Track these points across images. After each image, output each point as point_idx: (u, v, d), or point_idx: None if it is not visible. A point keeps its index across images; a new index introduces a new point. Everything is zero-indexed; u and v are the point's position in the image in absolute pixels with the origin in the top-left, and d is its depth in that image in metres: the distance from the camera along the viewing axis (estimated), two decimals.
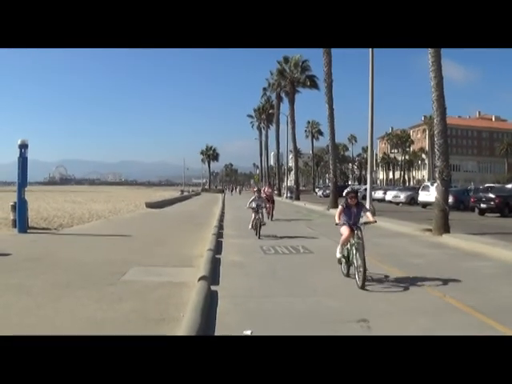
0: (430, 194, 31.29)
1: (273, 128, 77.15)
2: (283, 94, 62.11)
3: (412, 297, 7.66)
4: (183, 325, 5.51)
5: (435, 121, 17.16)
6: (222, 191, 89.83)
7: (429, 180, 60.92)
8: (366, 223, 9.18)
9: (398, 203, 42.50)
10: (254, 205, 16.79)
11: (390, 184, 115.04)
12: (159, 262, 10.35)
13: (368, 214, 9.35)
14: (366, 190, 29.67)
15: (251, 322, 6.07)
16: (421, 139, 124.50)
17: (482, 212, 27.31)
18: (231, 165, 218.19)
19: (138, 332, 5.48)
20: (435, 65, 16.51)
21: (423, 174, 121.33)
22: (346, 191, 9.52)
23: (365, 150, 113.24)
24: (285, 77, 57.30)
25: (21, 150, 15.19)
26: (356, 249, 8.50)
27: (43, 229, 16.96)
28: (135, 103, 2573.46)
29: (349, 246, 8.85)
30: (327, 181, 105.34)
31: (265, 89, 72.09)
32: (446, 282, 8.71)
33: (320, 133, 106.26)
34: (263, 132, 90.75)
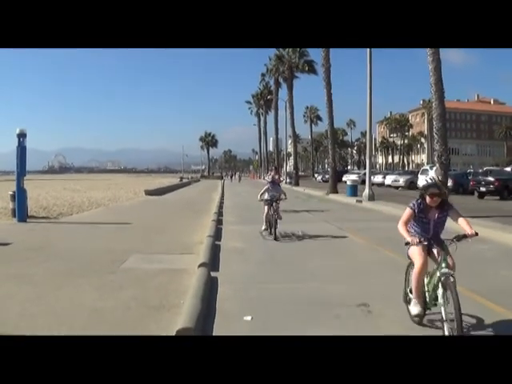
0: None
1: (271, 114, 77.19)
2: (281, 80, 61.86)
3: None
4: (183, 311, 5.53)
5: (434, 105, 17.15)
6: (222, 178, 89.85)
7: (428, 164, 60.82)
8: (459, 238, 5.09)
9: (397, 187, 42.58)
10: (266, 196, 13.18)
11: (389, 168, 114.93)
12: (159, 249, 10.37)
13: (462, 221, 5.23)
14: (365, 174, 29.67)
15: (251, 308, 6.11)
16: (420, 123, 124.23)
17: (482, 195, 27.34)
18: (230, 151, 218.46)
19: (138, 319, 5.53)
20: (433, 49, 16.44)
21: (422, 157, 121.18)
22: (423, 184, 5.36)
23: (364, 134, 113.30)
24: (283, 62, 57.06)
25: (19, 140, 15.16)
26: (443, 285, 4.91)
27: (43, 218, 16.96)
28: (133, 91, 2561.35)
29: (426, 278, 5.27)
30: (326, 166, 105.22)
31: (263, 74, 71.98)
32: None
33: (319, 118, 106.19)
34: (262, 118, 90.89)
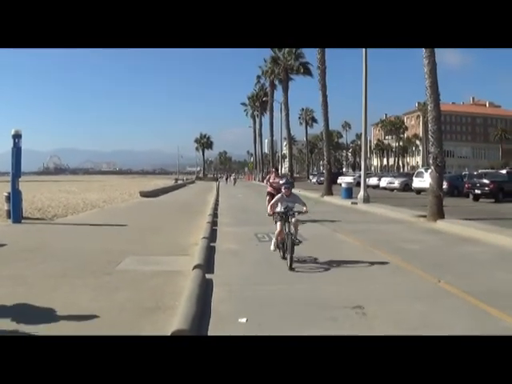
0: (424, 180, 31.31)
1: (267, 116, 77.48)
2: (277, 82, 62.08)
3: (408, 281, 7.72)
4: (178, 313, 5.54)
5: (429, 107, 17.16)
6: (216, 179, 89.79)
7: (423, 166, 60.99)
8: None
9: (392, 189, 42.64)
10: (280, 208, 9.30)
11: (385, 170, 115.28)
12: (154, 251, 10.37)
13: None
14: (360, 176, 29.69)
15: (246, 310, 6.11)
16: (415, 125, 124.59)
17: (477, 198, 27.40)
18: (225, 153, 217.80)
19: (134, 321, 5.53)
20: (428, 51, 16.49)
21: (417, 160, 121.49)
22: None
23: (359, 136, 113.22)
24: (278, 64, 57.21)
25: (14, 140, 15.09)
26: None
27: (38, 219, 16.93)
28: (129, 92, 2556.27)
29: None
30: (321, 168, 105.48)
31: (258, 76, 72.23)
32: (441, 266, 8.79)
33: (314, 120, 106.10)
34: (257, 120, 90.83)
